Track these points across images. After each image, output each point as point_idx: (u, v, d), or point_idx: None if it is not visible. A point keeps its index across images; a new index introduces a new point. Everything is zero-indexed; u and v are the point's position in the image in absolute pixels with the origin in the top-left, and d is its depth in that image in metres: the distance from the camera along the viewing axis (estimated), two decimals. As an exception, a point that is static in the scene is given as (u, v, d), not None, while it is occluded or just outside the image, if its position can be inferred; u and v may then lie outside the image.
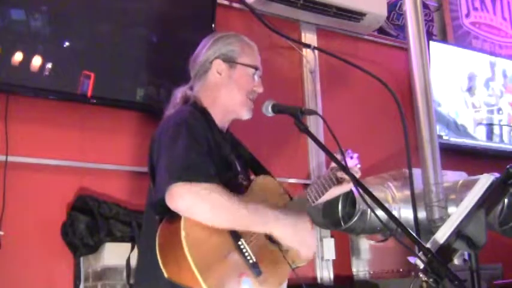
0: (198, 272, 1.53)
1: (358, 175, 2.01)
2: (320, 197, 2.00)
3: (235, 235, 1.66)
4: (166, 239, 1.63)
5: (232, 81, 1.95)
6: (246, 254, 1.67)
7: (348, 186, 2.10)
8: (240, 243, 1.66)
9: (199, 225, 1.60)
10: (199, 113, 1.85)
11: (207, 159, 1.69)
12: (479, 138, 4.28)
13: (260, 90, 2.00)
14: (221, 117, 1.95)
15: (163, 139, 1.74)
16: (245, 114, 1.98)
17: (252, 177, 2.00)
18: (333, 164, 2.09)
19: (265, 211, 1.72)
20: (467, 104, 4.30)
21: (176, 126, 1.74)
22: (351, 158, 2.14)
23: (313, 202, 1.98)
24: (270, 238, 1.77)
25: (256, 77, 1.99)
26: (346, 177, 2.04)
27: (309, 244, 1.78)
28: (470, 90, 4.34)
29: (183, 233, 1.56)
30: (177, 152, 1.66)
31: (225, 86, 1.95)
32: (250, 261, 1.66)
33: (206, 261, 1.57)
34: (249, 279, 1.65)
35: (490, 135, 4.36)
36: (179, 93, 1.96)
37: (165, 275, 1.59)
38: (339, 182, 2.06)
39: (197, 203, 1.60)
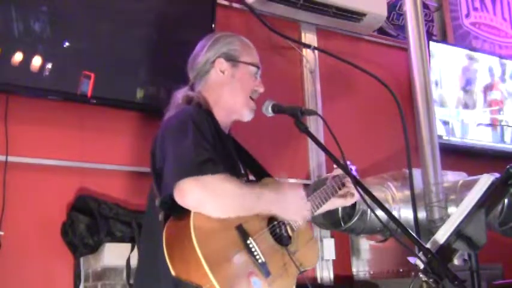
0: (208, 268, 1.50)
1: (356, 194, 2.05)
2: (321, 205, 2.02)
3: (244, 234, 1.64)
4: (174, 236, 1.61)
5: (235, 80, 1.94)
6: (255, 253, 1.64)
7: (351, 200, 2.13)
8: (248, 242, 1.64)
9: (209, 223, 1.58)
10: (203, 112, 1.84)
11: (214, 153, 1.67)
12: (479, 138, 4.28)
13: (261, 89, 1.99)
14: (224, 118, 1.93)
15: (168, 138, 1.72)
16: (247, 115, 1.97)
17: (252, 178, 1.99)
18: (335, 173, 2.12)
19: (270, 194, 1.75)
20: (467, 103, 4.29)
21: (181, 123, 1.73)
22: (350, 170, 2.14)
23: (314, 211, 1.99)
24: (277, 239, 1.76)
25: (257, 76, 1.99)
26: (351, 190, 2.06)
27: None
28: (470, 90, 4.33)
29: (192, 229, 1.54)
30: (184, 149, 1.65)
31: (228, 85, 1.94)
32: (260, 260, 1.63)
33: (216, 258, 1.54)
34: (258, 280, 1.61)
35: (490, 135, 4.36)
36: (180, 94, 1.94)
37: (172, 272, 1.56)
38: (342, 196, 2.10)
39: (207, 196, 1.59)
